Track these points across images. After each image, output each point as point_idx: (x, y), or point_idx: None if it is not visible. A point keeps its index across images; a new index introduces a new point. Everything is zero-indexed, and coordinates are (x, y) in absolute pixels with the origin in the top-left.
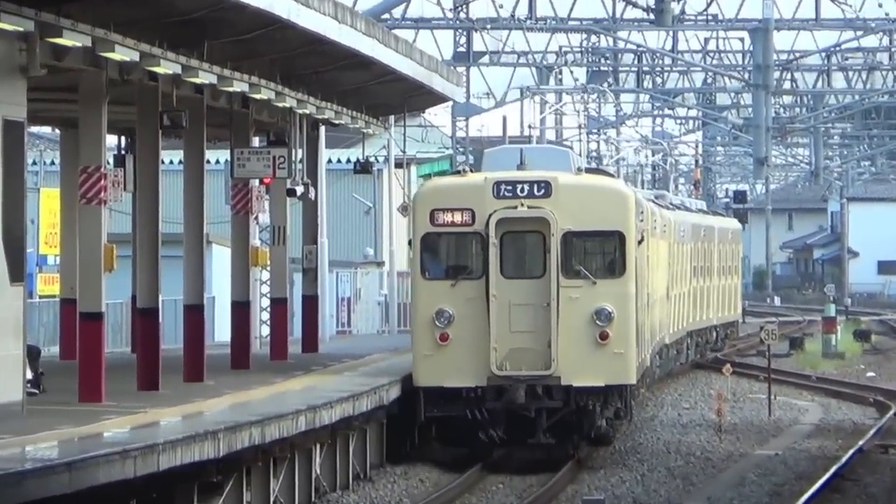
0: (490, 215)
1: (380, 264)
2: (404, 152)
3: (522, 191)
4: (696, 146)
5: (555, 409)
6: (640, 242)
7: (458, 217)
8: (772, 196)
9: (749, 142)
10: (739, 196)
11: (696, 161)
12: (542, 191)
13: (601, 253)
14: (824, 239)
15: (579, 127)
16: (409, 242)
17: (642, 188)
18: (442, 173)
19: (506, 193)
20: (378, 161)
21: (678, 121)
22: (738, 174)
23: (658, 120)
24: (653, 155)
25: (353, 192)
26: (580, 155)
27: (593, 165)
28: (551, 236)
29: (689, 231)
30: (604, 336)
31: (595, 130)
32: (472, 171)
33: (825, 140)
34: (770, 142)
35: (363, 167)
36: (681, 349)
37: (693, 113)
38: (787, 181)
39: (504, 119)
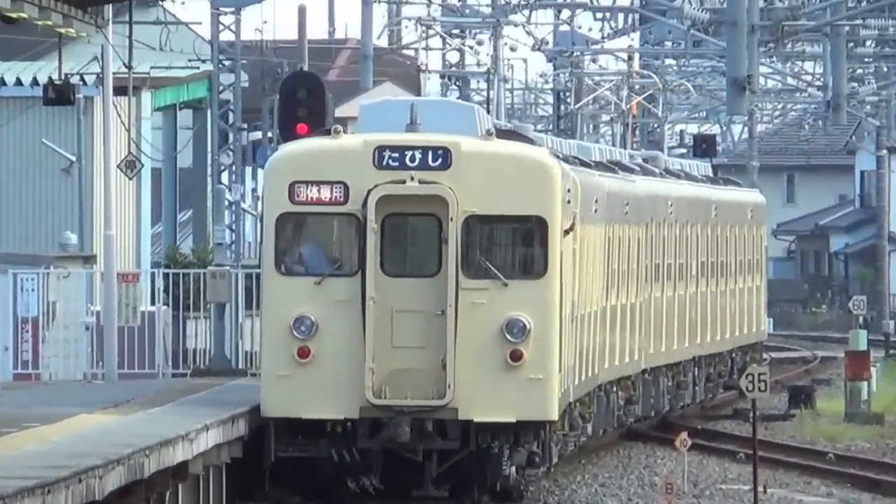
0: (369, 192)
1: (88, 260)
2: (130, 68)
3: (413, 160)
4: (631, 59)
5: (449, 452)
6: (568, 231)
7: (325, 193)
8: (760, 145)
9: (720, 52)
10: (704, 144)
11: (630, 84)
12: (440, 160)
13: (515, 245)
14: (849, 218)
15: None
16: (260, 223)
17: (624, 147)
18: (189, 100)
19: (391, 163)
20: (86, 84)
21: (600, 16)
22: (703, 107)
23: (565, 13)
24: (556, 73)
25: (42, 137)
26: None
27: (505, 125)
28: (450, 221)
29: (680, 209)
30: (516, 356)
31: (457, 32)
32: (346, 132)
33: (850, 49)
34: (757, 52)
35: (60, 94)
36: (683, 382)
37: (625, 1)
38: (786, 119)
39: (301, 12)
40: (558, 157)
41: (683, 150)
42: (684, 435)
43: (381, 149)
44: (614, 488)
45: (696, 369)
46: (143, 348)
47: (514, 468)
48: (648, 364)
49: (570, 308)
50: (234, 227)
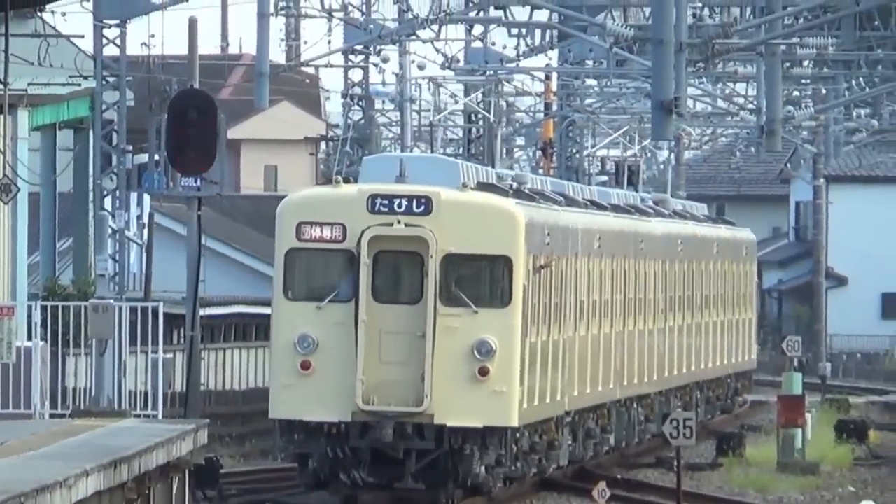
0: (363, 232)
1: None
2: (6, 84)
3: (400, 206)
4: (548, 79)
5: (425, 451)
6: (541, 268)
7: (327, 232)
8: (688, 172)
9: (645, 72)
10: (627, 171)
11: (547, 106)
12: (422, 207)
13: (485, 279)
14: (783, 252)
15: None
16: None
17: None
18: (69, 119)
19: (382, 208)
20: None
21: (515, 32)
22: (624, 129)
23: (477, 29)
24: (466, 93)
25: None
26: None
27: (485, 180)
28: (430, 258)
29: (688, 247)
30: (484, 372)
31: (363, 48)
32: (346, 181)
33: (786, 69)
34: (685, 72)
35: None
36: (689, 405)
37: (542, 16)
38: (717, 145)
39: (192, 25)
40: (564, 200)
41: (605, 178)
42: (602, 485)
43: (373, 196)
44: None
45: (699, 392)
46: (19, 386)
47: (483, 468)
48: (664, 386)
49: (553, 333)
50: (117, 258)
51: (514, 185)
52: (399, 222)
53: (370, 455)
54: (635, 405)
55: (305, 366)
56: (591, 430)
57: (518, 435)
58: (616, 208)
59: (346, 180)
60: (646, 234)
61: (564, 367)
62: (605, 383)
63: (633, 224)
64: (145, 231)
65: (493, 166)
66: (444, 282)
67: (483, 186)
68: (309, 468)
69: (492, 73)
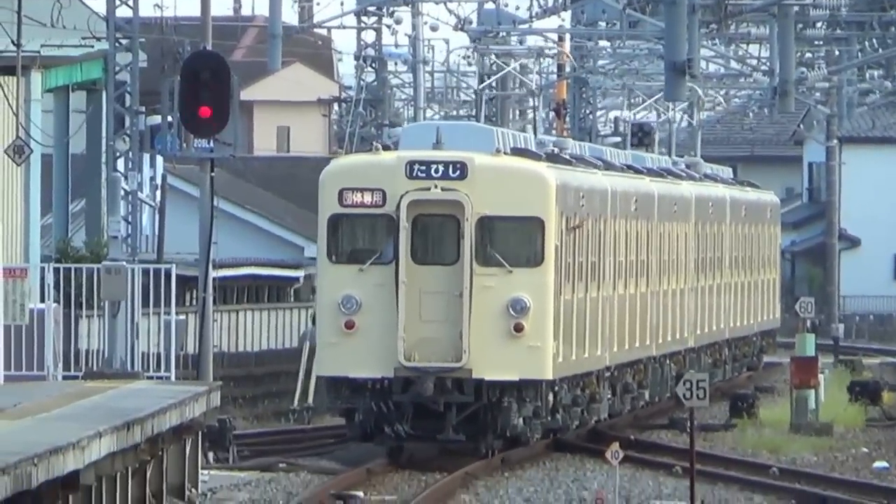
0: (402, 197)
1: None
2: (19, 46)
3: (437, 171)
4: (561, 40)
5: (465, 404)
6: (574, 229)
7: (367, 198)
8: (703, 134)
9: (658, 33)
10: (641, 132)
11: (560, 67)
12: (458, 172)
13: (518, 240)
14: (796, 213)
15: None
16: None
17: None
18: (82, 81)
19: (419, 174)
20: None
21: None
22: (640, 93)
23: None
24: (474, 48)
25: None
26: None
27: (521, 145)
28: (465, 221)
29: (718, 209)
30: (519, 328)
31: (376, 9)
32: (385, 148)
33: (799, 31)
34: (698, 33)
35: None
36: (719, 360)
37: None
38: (730, 106)
39: None
40: (597, 163)
41: (618, 139)
42: (616, 446)
43: (411, 163)
44: (539, 502)
45: (727, 350)
46: (32, 348)
47: (521, 419)
48: (696, 343)
49: (592, 291)
50: (130, 219)
51: (555, 150)
52: (436, 187)
53: (412, 409)
54: (668, 361)
55: (349, 325)
56: (629, 385)
57: (555, 388)
58: (651, 172)
59: (386, 148)
60: (679, 197)
61: (604, 324)
62: (642, 340)
63: (668, 187)
64: (158, 193)
65: (535, 134)
66: (480, 243)
67: (517, 151)
68: (355, 422)
69: (505, 33)
